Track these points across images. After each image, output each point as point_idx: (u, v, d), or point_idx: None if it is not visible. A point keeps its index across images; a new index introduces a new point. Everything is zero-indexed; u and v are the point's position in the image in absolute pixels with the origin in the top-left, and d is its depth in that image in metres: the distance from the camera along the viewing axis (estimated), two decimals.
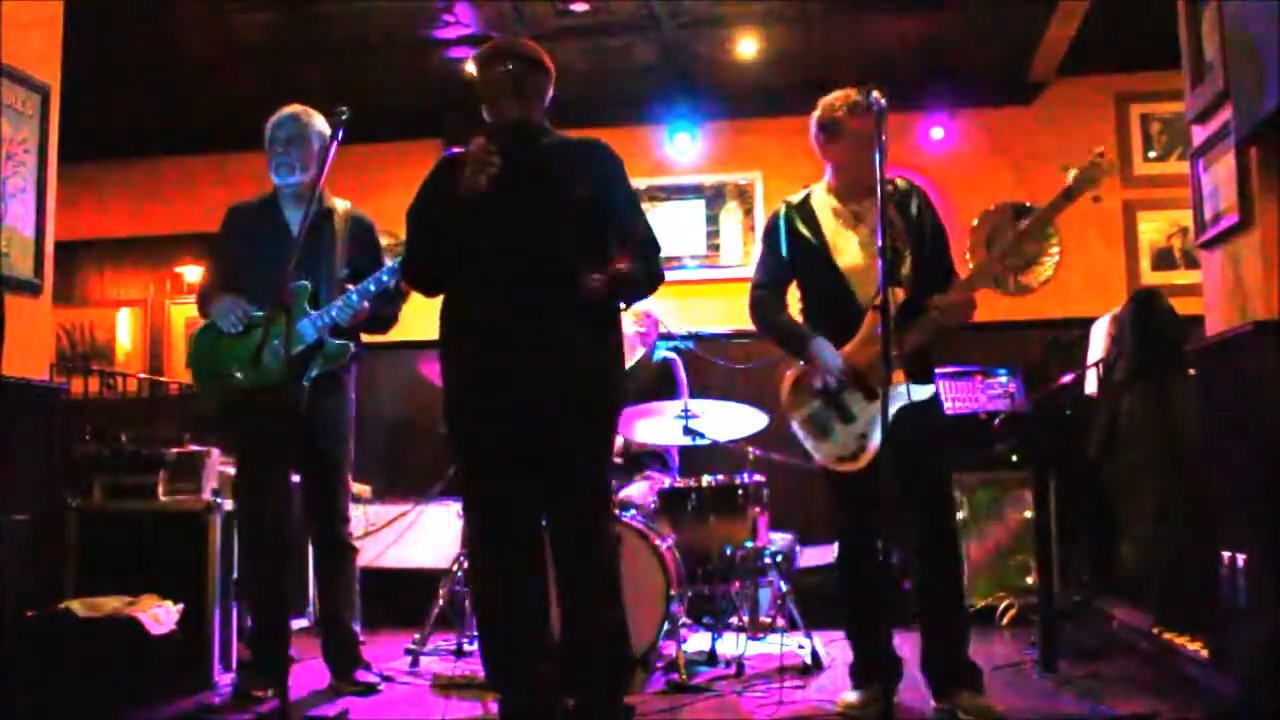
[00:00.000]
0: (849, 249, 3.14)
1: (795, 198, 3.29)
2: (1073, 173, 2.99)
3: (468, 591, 4.26)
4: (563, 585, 2.76)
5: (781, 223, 3.24)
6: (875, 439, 3.02)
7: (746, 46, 5.47)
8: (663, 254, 2.93)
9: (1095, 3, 4.83)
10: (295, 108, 3.59)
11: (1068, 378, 4.33)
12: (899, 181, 3.21)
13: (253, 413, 3.43)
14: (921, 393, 3.02)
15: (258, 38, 5.24)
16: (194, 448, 4.03)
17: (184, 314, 6.49)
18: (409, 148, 6.12)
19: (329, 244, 3.55)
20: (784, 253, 3.22)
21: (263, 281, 3.35)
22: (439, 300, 2.87)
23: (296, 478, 3.72)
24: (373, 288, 3.45)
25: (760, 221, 6.00)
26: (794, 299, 3.34)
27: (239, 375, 3.45)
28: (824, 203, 3.23)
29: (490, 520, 2.76)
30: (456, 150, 2.82)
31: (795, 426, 3.23)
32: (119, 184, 6.56)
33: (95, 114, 5.57)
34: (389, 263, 3.51)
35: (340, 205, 3.65)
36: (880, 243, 2.73)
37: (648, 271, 2.83)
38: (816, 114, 3.21)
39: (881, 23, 5.22)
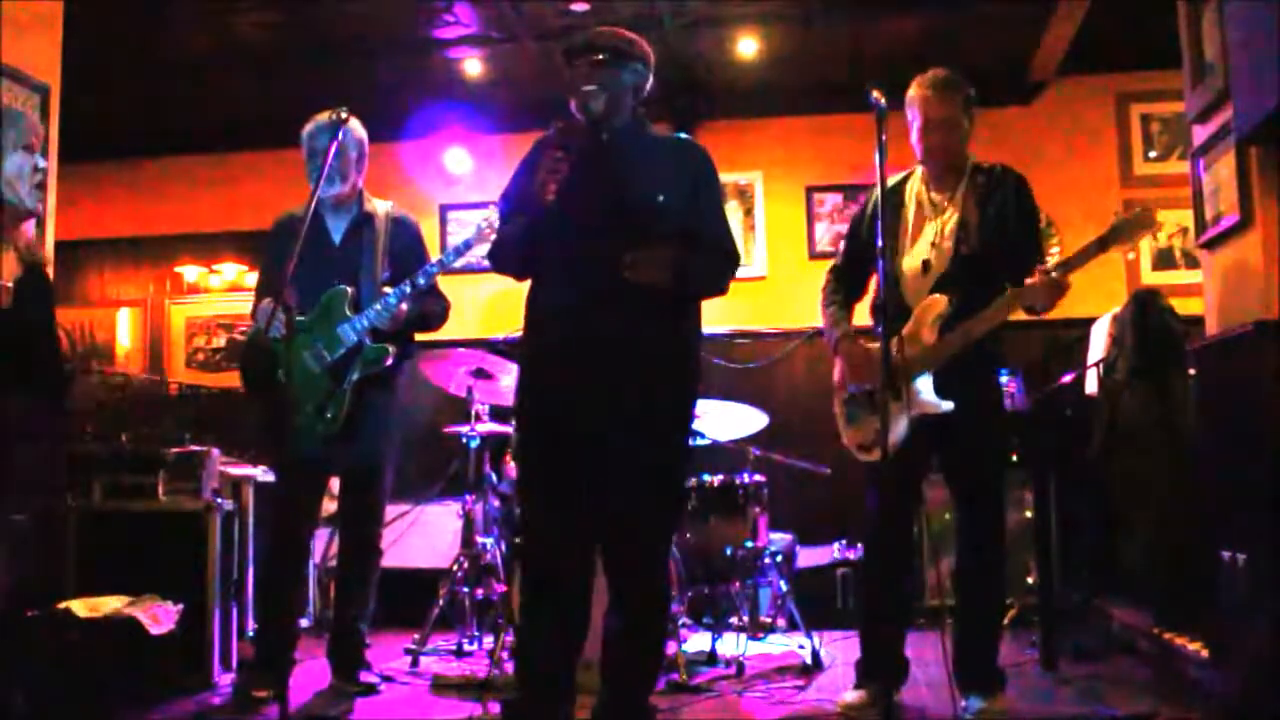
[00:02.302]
0: (915, 247, 3.12)
1: (894, 180, 3.22)
2: (1115, 218, 2.91)
3: (468, 592, 4.28)
4: (616, 584, 2.68)
5: (866, 215, 3.25)
6: (893, 436, 2.96)
7: (746, 46, 5.46)
8: (737, 267, 2.77)
9: (1095, 3, 4.83)
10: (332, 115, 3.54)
11: (1068, 378, 4.33)
12: (995, 169, 3.18)
13: (296, 416, 3.44)
14: (941, 406, 2.97)
15: (257, 38, 5.23)
16: (194, 448, 4.03)
17: (184, 314, 6.50)
18: (409, 148, 6.12)
19: (370, 247, 3.57)
20: (865, 241, 3.18)
21: (305, 287, 3.35)
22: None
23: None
24: (408, 289, 3.46)
25: (760, 222, 6.01)
26: None
27: (281, 378, 3.46)
28: (914, 190, 3.20)
29: (546, 516, 2.66)
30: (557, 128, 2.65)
31: (835, 406, 3.27)
32: (119, 184, 6.55)
33: (95, 114, 5.57)
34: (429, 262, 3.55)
35: (382, 208, 3.66)
36: (879, 243, 2.74)
37: (710, 268, 2.70)
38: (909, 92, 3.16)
39: (881, 23, 5.22)
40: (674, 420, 2.71)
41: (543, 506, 2.67)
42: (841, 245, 3.41)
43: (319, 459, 3.48)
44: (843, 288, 3.32)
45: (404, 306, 3.48)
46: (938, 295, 3.03)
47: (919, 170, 3.24)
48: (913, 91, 3.12)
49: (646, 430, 2.62)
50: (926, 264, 3.08)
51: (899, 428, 2.98)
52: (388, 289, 3.49)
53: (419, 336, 3.74)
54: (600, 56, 2.63)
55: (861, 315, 3.34)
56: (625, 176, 2.65)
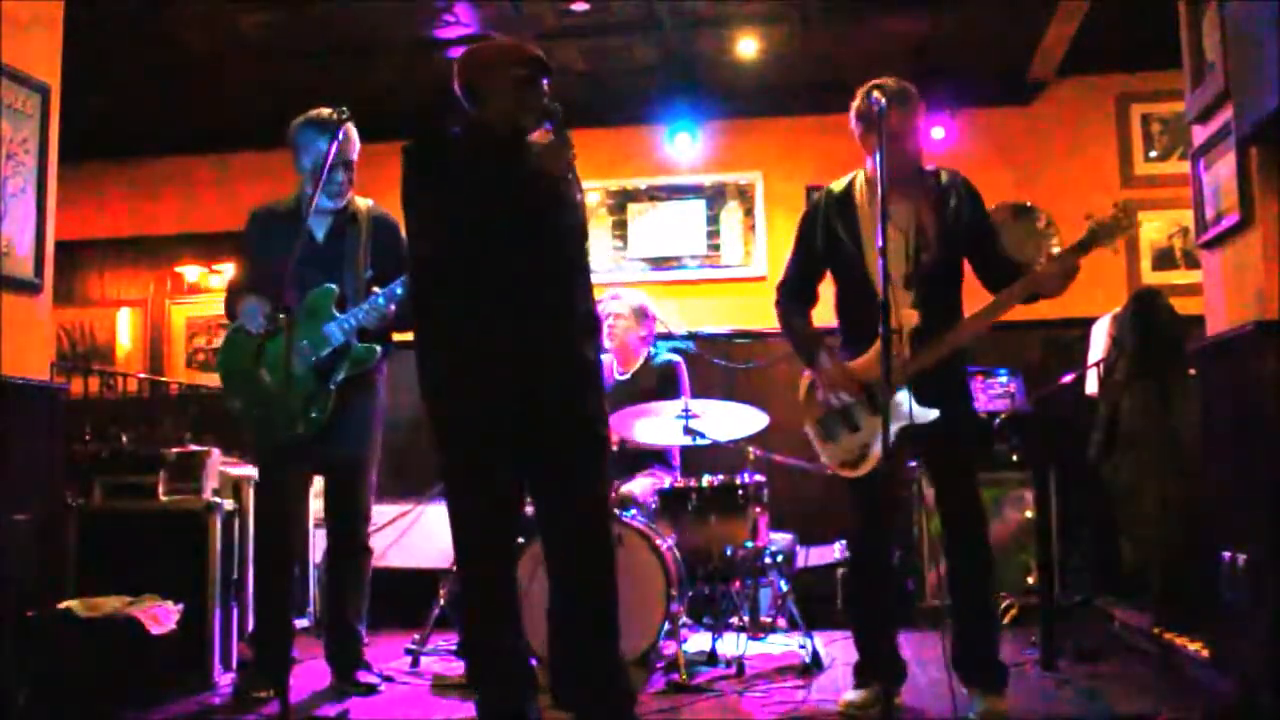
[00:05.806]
0: (875, 254, 3.10)
1: (838, 185, 3.25)
2: (1092, 222, 2.95)
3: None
4: (555, 569, 2.77)
5: (820, 216, 3.24)
6: (876, 449, 3.01)
7: (746, 46, 5.46)
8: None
9: (1095, 3, 4.83)
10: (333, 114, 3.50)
11: (1068, 378, 4.34)
12: (942, 174, 3.21)
13: (278, 416, 3.44)
14: (925, 415, 2.98)
15: (258, 37, 5.23)
16: (194, 448, 4.03)
17: (184, 314, 6.49)
18: None
19: (353, 246, 3.56)
20: (820, 247, 3.22)
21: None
22: None
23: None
24: (399, 290, 3.43)
25: (760, 222, 6.01)
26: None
27: (265, 377, 3.46)
28: (863, 194, 3.19)
29: (483, 518, 2.75)
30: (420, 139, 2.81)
31: (806, 427, 3.28)
32: (119, 184, 6.55)
33: (95, 114, 5.57)
34: None
35: (363, 205, 3.65)
36: (880, 243, 2.74)
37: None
38: (855, 102, 3.16)
39: (881, 23, 5.21)
40: (599, 413, 2.86)
41: (476, 507, 2.76)
42: (789, 257, 3.35)
43: (302, 458, 3.47)
44: (797, 303, 3.30)
45: (392, 308, 3.46)
46: (908, 310, 3.03)
47: (861, 175, 3.23)
48: (866, 104, 3.07)
49: (578, 425, 2.77)
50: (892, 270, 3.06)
51: (877, 443, 2.97)
52: (376, 289, 3.47)
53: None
54: (538, 73, 2.80)
55: (820, 318, 3.34)
56: (548, 186, 2.77)
